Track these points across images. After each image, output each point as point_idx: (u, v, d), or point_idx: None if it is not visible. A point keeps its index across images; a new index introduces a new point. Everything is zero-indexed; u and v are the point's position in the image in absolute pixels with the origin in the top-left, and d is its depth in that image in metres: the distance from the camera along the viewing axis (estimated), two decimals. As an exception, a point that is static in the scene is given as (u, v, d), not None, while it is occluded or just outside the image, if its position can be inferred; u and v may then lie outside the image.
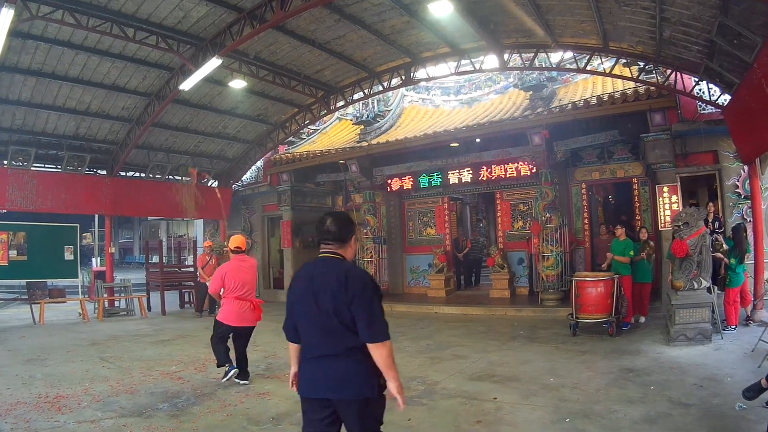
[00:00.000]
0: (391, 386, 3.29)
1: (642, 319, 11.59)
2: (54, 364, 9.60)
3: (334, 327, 3.24)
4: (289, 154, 20.02)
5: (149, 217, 40.12)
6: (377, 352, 3.20)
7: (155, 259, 23.33)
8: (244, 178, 22.27)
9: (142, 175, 19.38)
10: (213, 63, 12.52)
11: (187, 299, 18.71)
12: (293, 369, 3.66)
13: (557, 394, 6.65)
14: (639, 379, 7.15)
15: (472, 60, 14.18)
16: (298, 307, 3.44)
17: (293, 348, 3.62)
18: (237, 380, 7.69)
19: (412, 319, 14.01)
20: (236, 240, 7.97)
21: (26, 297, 16.21)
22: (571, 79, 16.72)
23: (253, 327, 7.79)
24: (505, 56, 13.39)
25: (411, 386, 7.26)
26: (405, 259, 19.64)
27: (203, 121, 17.95)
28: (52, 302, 16.25)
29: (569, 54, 13.91)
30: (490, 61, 14.07)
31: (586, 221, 16.17)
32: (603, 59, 13.48)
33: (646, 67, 12.29)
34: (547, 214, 14.55)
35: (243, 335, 7.72)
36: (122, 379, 8.31)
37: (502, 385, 7.16)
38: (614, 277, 10.59)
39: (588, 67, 13.20)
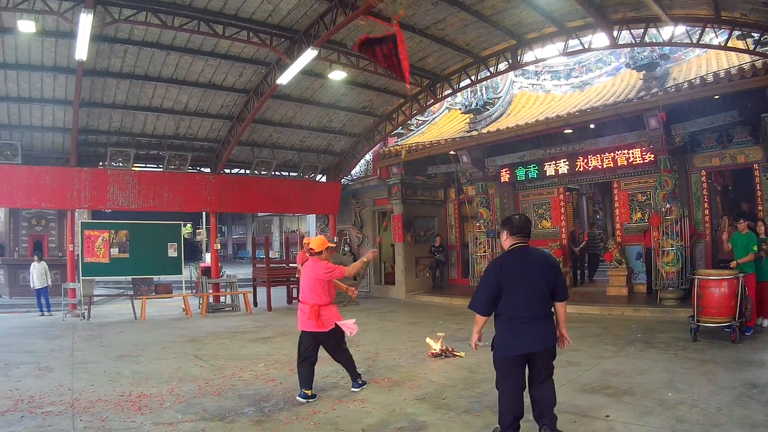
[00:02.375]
0: (564, 331, 5.53)
1: (765, 323, 11.40)
2: (145, 361, 10.33)
3: (542, 296, 5.28)
4: (398, 147, 21.15)
5: (260, 213, 43.36)
6: (563, 308, 5.56)
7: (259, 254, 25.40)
8: (353, 172, 23.61)
9: (247, 171, 21.05)
10: (309, 54, 13.39)
11: (294, 295, 19.68)
12: (477, 337, 5.61)
13: (675, 413, 6.42)
14: (764, 397, 6.87)
15: (581, 39, 14.40)
16: (513, 284, 5.19)
17: (483, 321, 5.45)
18: (353, 389, 7.95)
19: None
20: (312, 241, 8.29)
21: (131, 293, 18.51)
22: (683, 57, 16.81)
23: (326, 333, 7.72)
24: (614, 33, 13.57)
25: None
26: None
27: (307, 115, 19.29)
28: (155, 298, 17.59)
29: (680, 29, 14.03)
30: (599, 39, 14.41)
31: (706, 212, 16.11)
32: (716, 32, 13.05)
33: (762, 39, 12.04)
34: (667, 205, 14.76)
35: (322, 342, 7.85)
36: (212, 378, 8.80)
37: (616, 400, 7.01)
38: (739, 276, 10.39)
39: (701, 42, 13.05)
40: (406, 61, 9.43)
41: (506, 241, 5.52)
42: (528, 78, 21.33)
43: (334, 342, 7.94)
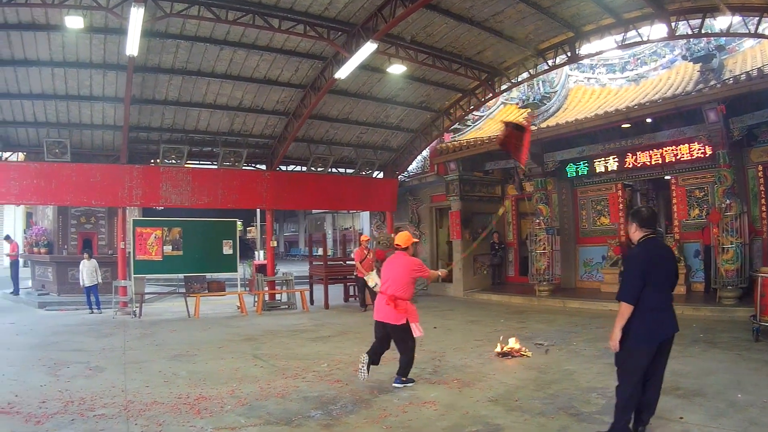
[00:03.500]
0: None
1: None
2: (202, 361, 10.18)
3: (671, 286, 5.63)
4: (455, 142, 21.06)
5: (314, 210, 43.90)
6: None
7: (314, 251, 25.49)
8: (410, 168, 23.69)
9: (304, 168, 21.12)
10: (368, 48, 13.41)
11: (351, 293, 20.01)
12: (620, 334, 5.41)
13: (746, 415, 6.38)
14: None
15: (638, 30, 14.27)
16: (654, 274, 5.38)
17: (630, 310, 5.34)
18: (395, 384, 8.13)
19: (586, 317, 14.62)
20: (398, 237, 8.67)
21: (183, 290, 18.18)
22: (737, 48, 16.81)
23: (397, 326, 8.01)
24: (672, 24, 13.47)
25: (590, 399, 7.19)
26: (578, 251, 20.31)
27: (364, 110, 19.31)
28: (209, 295, 17.51)
29: (736, 19, 13.61)
30: (656, 31, 14.33)
31: (763, 208, 15.77)
32: (770, 21, 12.95)
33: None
34: (727, 201, 14.41)
35: (390, 333, 8.20)
36: (274, 380, 8.61)
37: (688, 401, 6.90)
38: (803, 273, 9.99)
39: (758, 31, 12.92)
40: (527, 148, 9.64)
41: (635, 233, 5.72)
42: (583, 72, 21.32)
43: (402, 336, 8.17)
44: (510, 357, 9.86)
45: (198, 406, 7.27)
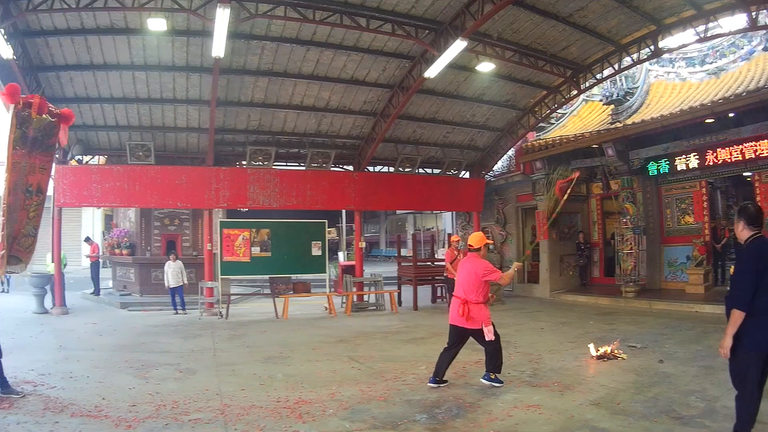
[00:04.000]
0: None
1: None
2: (297, 363, 10.19)
3: None
4: (541, 141, 21.03)
5: (398, 211, 44.16)
6: None
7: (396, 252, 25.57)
8: (495, 167, 23.63)
9: (390, 169, 21.28)
10: (458, 45, 13.43)
11: (439, 294, 20.02)
12: (731, 341, 5.03)
13: None
14: None
15: (718, 21, 14.02)
16: (766, 275, 4.95)
17: (742, 317, 4.97)
18: (482, 380, 8.25)
19: (673, 319, 14.41)
20: (470, 237, 8.63)
21: (268, 291, 18.14)
22: None
23: (474, 330, 8.02)
24: (752, 14, 13.19)
25: (690, 402, 7.07)
26: (662, 251, 19.77)
27: (450, 110, 19.26)
28: (297, 296, 17.62)
29: None
30: (735, 21, 14.09)
31: None
32: None
33: None
34: None
35: (470, 336, 8.22)
36: (374, 382, 8.57)
37: None
38: None
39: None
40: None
41: (743, 231, 5.40)
42: (663, 66, 20.88)
43: (479, 339, 8.22)
44: (605, 359, 9.78)
45: (299, 410, 7.21)
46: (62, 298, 17.86)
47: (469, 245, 8.50)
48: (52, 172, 12.25)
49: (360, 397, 7.80)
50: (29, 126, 7.90)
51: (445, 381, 8.28)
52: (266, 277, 18.53)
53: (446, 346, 8.36)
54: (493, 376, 8.16)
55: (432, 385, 8.09)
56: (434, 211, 37.18)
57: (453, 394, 7.84)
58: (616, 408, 7.00)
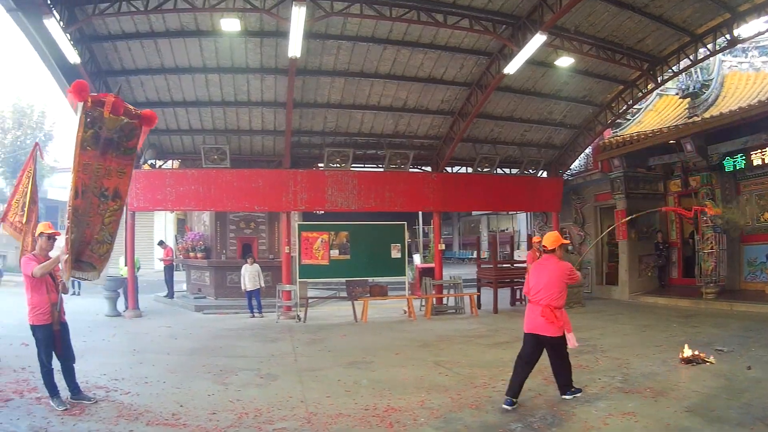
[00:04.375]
0: None
1: None
2: (381, 369, 10.15)
3: None
4: (618, 137, 20.66)
5: (473, 213, 44.12)
6: None
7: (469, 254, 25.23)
8: (572, 166, 23.43)
9: (468, 169, 21.27)
10: (537, 40, 13.40)
11: (517, 296, 19.76)
12: None
13: None
14: None
15: None
16: None
17: None
18: (565, 397, 7.87)
19: (757, 321, 14.09)
20: (545, 238, 8.32)
21: (344, 294, 18.10)
22: None
23: (555, 338, 7.62)
24: None
25: None
26: (742, 250, 19.20)
27: (528, 107, 19.19)
28: (377, 300, 17.74)
29: None
30: None
31: None
32: None
33: None
34: None
35: (546, 345, 7.79)
36: (463, 389, 8.49)
37: None
38: None
39: None
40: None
41: None
42: (735, 56, 20.28)
43: (559, 348, 7.86)
44: (693, 363, 9.59)
45: (389, 418, 7.14)
46: (135, 301, 18.25)
47: (544, 246, 8.23)
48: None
49: (451, 404, 7.70)
50: (102, 126, 7.66)
51: (516, 403, 7.60)
52: (342, 280, 18.63)
53: (521, 357, 7.87)
54: (573, 389, 7.96)
55: (507, 407, 7.41)
56: (510, 212, 37.06)
57: (545, 401, 7.76)
58: (711, 415, 6.87)
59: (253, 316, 17.86)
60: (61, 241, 7.90)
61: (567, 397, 7.87)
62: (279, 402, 8.01)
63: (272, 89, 16.57)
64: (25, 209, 10.93)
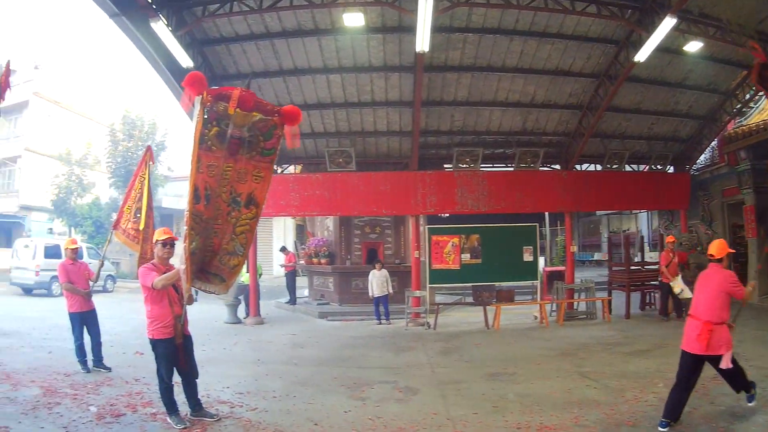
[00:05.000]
0: None
1: None
2: (525, 381, 10.06)
3: None
4: (743, 127, 19.73)
5: (597, 213, 43.48)
6: None
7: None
8: (698, 160, 22.72)
9: (597, 167, 21.07)
10: (667, 24, 13.08)
11: (648, 300, 19.50)
12: None
13: None
14: None
15: None
16: None
17: None
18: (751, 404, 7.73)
19: None
20: (711, 246, 7.87)
21: (469, 300, 17.94)
22: None
23: (715, 357, 7.22)
24: None
25: None
26: None
27: (654, 98, 18.78)
28: (510, 305, 17.68)
29: None
30: None
31: None
32: None
33: None
34: None
35: (709, 363, 7.35)
36: (615, 403, 8.39)
37: None
38: None
39: None
40: None
41: None
42: None
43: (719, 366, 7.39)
44: None
45: (544, 437, 6.98)
46: (257, 307, 18.68)
47: (710, 255, 7.80)
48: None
49: (606, 421, 7.62)
50: (228, 123, 7.14)
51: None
52: (465, 285, 18.68)
53: (678, 382, 7.40)
54: (751, 393, 7.79)
55: (662, 429, 7.14)
56: (633, 212, 36.34)
57: (702, 416, 7.66)
58: None
59: (380, 323, 18.07)
60: (179, 249, 7.55)
61: (751, 404, 7.79)
62: (423, 420, 7.91)
63: (397, 88, 16.78)
64: (141, 215, 11.26)
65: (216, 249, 7.58)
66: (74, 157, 39.73)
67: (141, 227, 11.20)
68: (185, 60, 14.13)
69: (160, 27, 12.94)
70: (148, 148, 12.20)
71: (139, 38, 14.07)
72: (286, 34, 14.95)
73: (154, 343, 7.63)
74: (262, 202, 7.79)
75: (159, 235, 7.91)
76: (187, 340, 7.92)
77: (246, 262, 14.67)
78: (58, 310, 15.39)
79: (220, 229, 7.51)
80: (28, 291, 26.38)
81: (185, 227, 6.80)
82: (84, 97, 48.19)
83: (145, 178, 11.47)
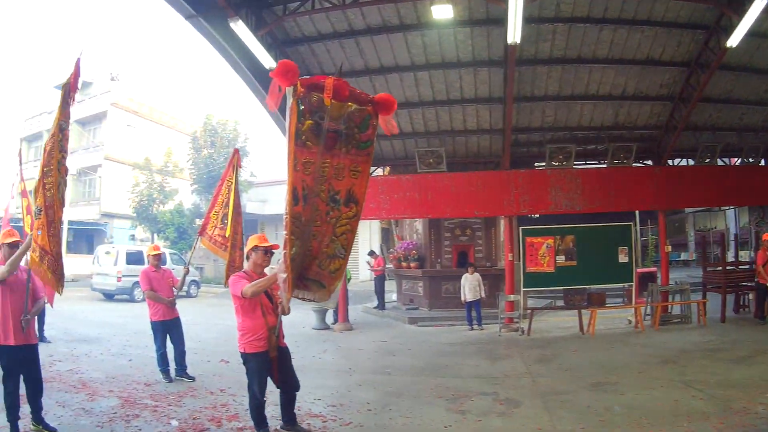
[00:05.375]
0: None
1: None
2: (629, 391, 9.83)
3: None
4: None
5: (685, 210, 42.64)
6: None
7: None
8: None
9: (690, 161, 20.66)
10: (758, 5, 12.68)
11: (742, 302, 19.00)
12: None
13: None
14: None
15: None
16: None
17: None
18: None
19: None
20: None
21: (560, 303, 18.04)
22: None
23: None
24: None
25: None
26: None
27: (744, 86, 18.28)
28: (608, 309, 17.60)
29: None
30: None
31: None
32: None
33: None
34: None
35: None
36: (724, 416, 8.16)
37: None
38: None
39: None
40: None
41: None
42: None
43: None
44: None
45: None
46: (346, 313, 18.88)
47: None
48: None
49: (717, 435, 7.29)
50: (323, 115, 6.64)
51: None
52: (555, 288, 18.61)
53: None
54: None
55: None
56: (720, 208, 35.56)
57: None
58: None
59: (472, 329, 18.09)
60: (278, 256, 7.12)
61: None
62: (529, 435, 7.61)
63: (486, 83, 16.78)
64: (228, 221, 11.32)
65: (315, 253, 7.03)
66: (155, 165, 41.27)
67: (227, 234, 11.31)
68: (268, 61, 14.33)
69: (240, 27, 13.17)
70: (236, 152, 12.27)
71: (218, 39, 14.45)
72: (371, 31, 15.13)
73: (246, 357, 7.41)
74: (361, 200, 7.25)
75: (259, 241, 7.71)
76: (283, 352, 7.65)
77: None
78: (139, 316, 15.89)
79: (319, 231, 6.99)
80: (109, 297, 27.42)
81: (284, 232, 6.41)
82: (164, 105, 49.86)
83: (232, 183, 11.57)
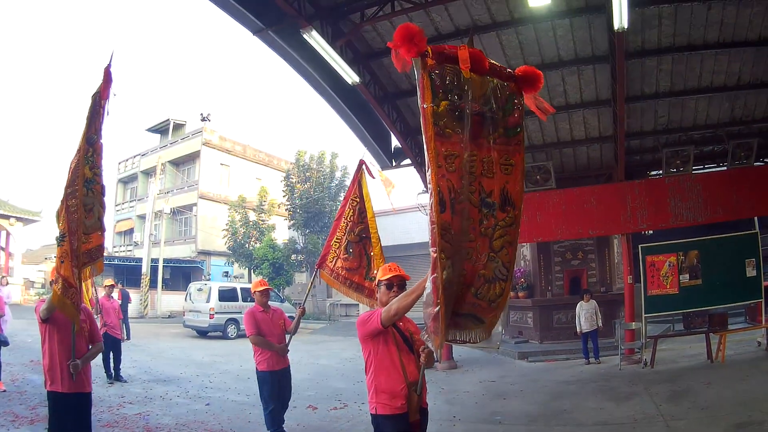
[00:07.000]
0: None
1: None
2: None
3: None
4: None
5: None
6: None
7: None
8: None
9: None
10: None
11: None
12: None
13: None
14: None
15: None
16: None
17: None
18: None
19: None
20: None
21: (680, 327, 16.86)
22: None
23: None
24: None
25: None
26: None
27: None
28: (734, 332, 16.22)
29: None
30: None
31: None
32: None
33: None
34: None
35: None
36: None
37: None
38: None
39: None
40: None
41: None
42: None
43: None
44: None
45: None
46: (450, 349, 17.98)
47: None
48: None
49: None
50: (462, 93, 4.89)
51: None
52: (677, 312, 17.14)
53: None
54: None
55: None
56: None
57: None
58: None
59: (589, 363, 17.05)
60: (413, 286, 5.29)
61: None
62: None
63: (592, 84, 15.68)
64: (373, 251, 9.66)
65: (468, 278, 5.09)
66: (250, 201, 42.38)
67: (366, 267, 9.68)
68: (350, 74, 13.78)
69: (315, 38, 12.63)
70: (361, 163, 10.31)
71: (292, 54, 13.96)
72: (460, 33, 14.06)
73: (379, 421, 5.65)
74: (518, 201, 5.22)
75: (385, 272, 5.92)
76: (425, 415, 5.84)
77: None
78: (230, 354, 15.87)
79: (473, 248, 5.06)
80: (202, 333, 27.77)
81: (431, 250, 4.67)
82: (256, 142, 52.28)
83: (357, 202, 9.90)
